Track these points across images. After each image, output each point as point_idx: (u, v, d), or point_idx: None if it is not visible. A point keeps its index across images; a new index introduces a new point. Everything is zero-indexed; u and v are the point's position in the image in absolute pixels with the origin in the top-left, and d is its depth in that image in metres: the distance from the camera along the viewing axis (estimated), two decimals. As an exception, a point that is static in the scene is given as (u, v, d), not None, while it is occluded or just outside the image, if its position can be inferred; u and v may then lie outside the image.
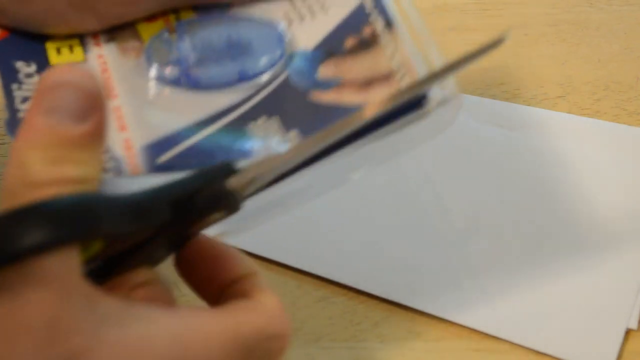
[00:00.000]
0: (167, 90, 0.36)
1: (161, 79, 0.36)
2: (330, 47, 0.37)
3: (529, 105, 0.50)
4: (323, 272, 0.43)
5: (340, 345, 0.41)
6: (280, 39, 0.37)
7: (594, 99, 0.51)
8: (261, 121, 0.35)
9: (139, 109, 0.35)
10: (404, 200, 0.46)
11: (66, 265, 0.25)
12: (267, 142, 0.34)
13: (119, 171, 0.33)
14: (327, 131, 0.32)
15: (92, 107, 0.26)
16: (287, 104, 0.35)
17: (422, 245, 0.44)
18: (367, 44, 0.37)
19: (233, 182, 0.30)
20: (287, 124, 0.35)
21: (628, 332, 0.40)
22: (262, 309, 0.28)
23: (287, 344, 0.28)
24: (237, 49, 0.37)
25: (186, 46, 0.37)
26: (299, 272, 0.43)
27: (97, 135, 0.26)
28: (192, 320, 0.26)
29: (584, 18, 0.56)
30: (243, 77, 0.36)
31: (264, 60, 0.37)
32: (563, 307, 0.41)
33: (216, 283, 0.30)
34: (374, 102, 0.31)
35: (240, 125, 0.35)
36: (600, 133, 0.48)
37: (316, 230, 0.45)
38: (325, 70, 0.36)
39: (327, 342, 0.41)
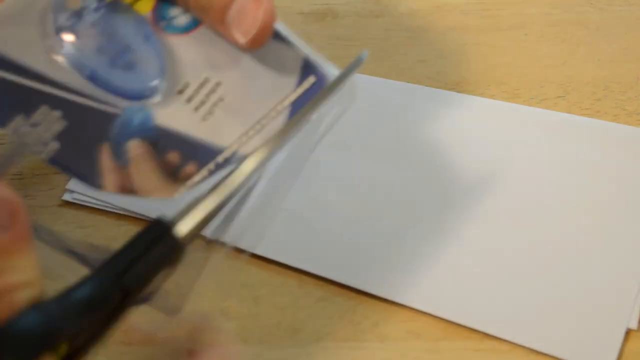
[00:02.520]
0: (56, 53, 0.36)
1: (58, 41, 0.36)
2: (162, 139, 0.36)
3: (529, 105, 0.50)
4: (323, 272, 0.43)
5: (340, 345, 0.41)
6: (153, 89, 0.36)
7: (594, 99, 0.51)
8: (55, 113, 0.35)
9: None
10: (404, 201, 0.46)
11: None
12: (29, 128, 0.34)
13: None
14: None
15: (14, 212, 0.27)
16: (89, 131, 0.35)
17: (422, 245, 0.44)
18: (169, 172, 0.35)
19: (179, 232, 0.30)
20: (62, 141, 0.35)
21: (628, 332, 0.40)
22: None
23: None
24: (122, 60, 0.36)
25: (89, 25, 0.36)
26: (299, 272, 0.43)
27: (26, 238, 0.27)
28: None
29: (584, 18, 0.56)
30: (96, 79, 0.36)
31: (128, 85, 0.36)
32: (563, 307, 0.41)
33: None
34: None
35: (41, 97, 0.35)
36: (600, 133, 0.48)
37: (316, 231, 0.45)
38: (133, 148, 0.35)
39: (327, 342, 0.41)
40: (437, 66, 0.53)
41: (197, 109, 0.36)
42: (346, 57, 0.54)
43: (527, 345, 0.40)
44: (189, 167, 0.35)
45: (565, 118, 0.49)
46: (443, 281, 0.42)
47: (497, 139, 0.48)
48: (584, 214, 0.44)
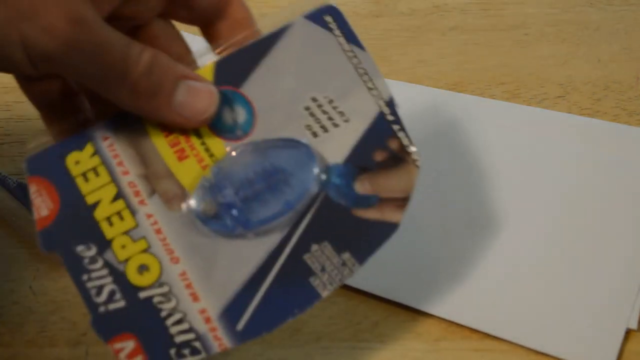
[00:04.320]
0: (222, 242, 0.35)
1: (214, 231, 0.35)
2: (361, 161, 0.36)
3: (529, 105, 0.50)
4: (323, 272, 0.43)
5: (340, 345, 0.41)
6: (310, 156, 0.36)
7: (594, 99, 0.51)
8: (314, 249, 0.35)
9: (203, 270, 0.34)
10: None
11: None
12: (326, 271, 0.34)
13: (208, 350, 0.33)
14: None
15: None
16: (333, 224, 0.35)
17: (422, 245, 0.44)
18: (398, 159, 0.36)
19: None
20: (339, 247, 0.34)
21: (628, 332, 0.40)
22: None
23: None
24: (274, 179, 0.36)
25: (228, 191, 0.36)
26: (299, 272, 0.43)
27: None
28: None
29: (584, 18, 0.56)
30: (289, 207, 0.35)
31: (301, 182, 0.36)
32: (563, 307, 0.41)
33: None
34: None
35: (296, 260, 0.34)
36: (600, 133, 0.48)
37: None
38: (362, 186, 0.36)
39: (327, 342, 0.41)
40: (437, 66, 0.53)
41: (336, 123, 0.37)
42: (346, 57, 0.54)
43: (527, 345, 0.40)
44: (395, 142, 0.36)
45: (565, 118, 0.49)
46: (443, 281, 0.42)
47: (497, 139, 0.48)
48: (584, 214, 0.45)
